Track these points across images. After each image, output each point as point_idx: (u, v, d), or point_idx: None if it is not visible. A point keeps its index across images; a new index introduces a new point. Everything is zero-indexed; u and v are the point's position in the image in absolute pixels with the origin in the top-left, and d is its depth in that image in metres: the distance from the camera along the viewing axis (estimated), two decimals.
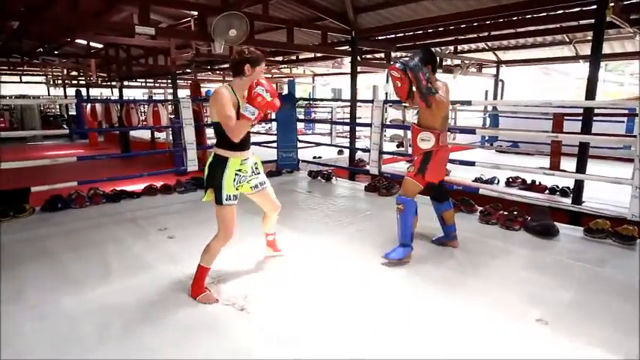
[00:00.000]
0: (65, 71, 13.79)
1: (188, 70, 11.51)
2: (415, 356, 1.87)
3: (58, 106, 18.47)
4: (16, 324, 2.09)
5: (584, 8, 5.03)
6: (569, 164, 5.28)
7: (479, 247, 3.17)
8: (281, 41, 6.32)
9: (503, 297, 2.38)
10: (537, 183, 5.56)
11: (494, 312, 2.21)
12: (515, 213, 3.61)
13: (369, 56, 9.11)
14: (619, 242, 3.13)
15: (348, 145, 7.37)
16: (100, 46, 10.09)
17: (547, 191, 5.39)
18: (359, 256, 2.99)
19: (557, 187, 5.29)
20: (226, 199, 2.33)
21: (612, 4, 4.25)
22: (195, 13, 5.96)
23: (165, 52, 8.40)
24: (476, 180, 5.76)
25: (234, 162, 2.35)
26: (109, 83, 13.91)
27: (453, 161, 4.46)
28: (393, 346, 1.94)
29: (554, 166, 5.70)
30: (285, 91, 6.67)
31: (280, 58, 10.43)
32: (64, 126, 17.02)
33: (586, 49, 7.99)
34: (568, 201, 4.51)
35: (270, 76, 13.19)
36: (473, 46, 8.91)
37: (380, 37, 7.34)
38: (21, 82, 16.34)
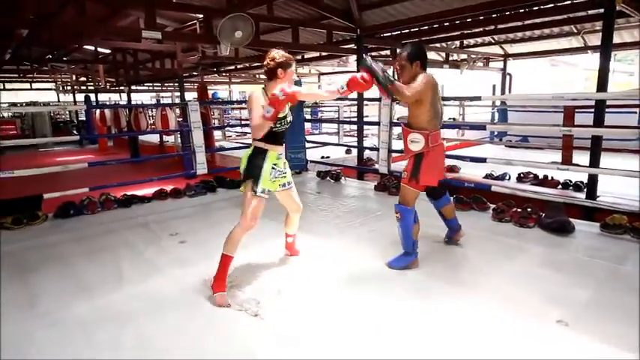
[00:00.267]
0: (74, 77, 13.96)
1: (195, 73, 11.55)
2: (430, 357, 1.84)
3: (67, 113, 18.68)
4: (29, 331, 2.11)
5: None
6: (581, 158, 5.18)
7: (493, 246, 3.13)
8: (286, 41, 6.29)
9: (520, 297, 2.34)
10: (550, 178, 5.47)
11: (512, 313, 2.17)
12: (529, 210, 3.56)
13: (374, 54, 9.06)
14: (638, 238, 3.07)
15: (355, 144, 7.34)
16: (108, 51, 10.17)
17: (560, 186, 5.30)
18: (371, 257, 2.96)
19: (570, 181, 5.20)
20: (261, 192, 2.45)
21: None
22: (201, 15, 5.97)
23: (172, 55, 8.45)
24: (487, 176, 5.69)
25: (272, 155, 2.50)
26: (117, 88, 14.06)
27: (463, 158, 4.42)
28: (407, 348, 1.91)
29: (566, 161, 5.61)
30: None
31: None
32: (75, 132, 17.22)
33: (595, 40, 7.86)
34: (581, 196, 4.43)
35: None
36: (479, 40, 8.80)
37: (385, 35, 7.28)
38: (31, 88, 16.57)
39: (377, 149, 5.54)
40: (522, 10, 5.70)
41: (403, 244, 2.76)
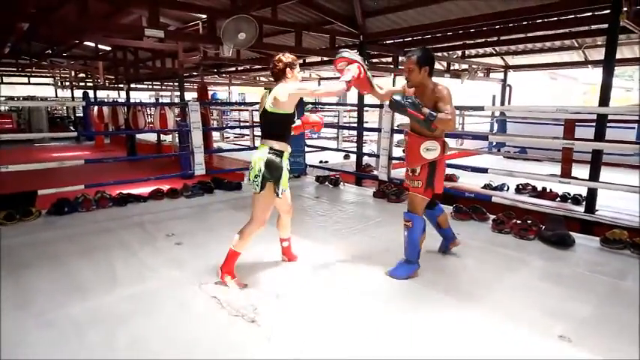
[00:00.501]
0: (73, 73, 13.86)
1: (194, 73, 11.52)
2: None
3: (65, 108, 18.57)
4: (22, 332, 2.05)
5: (597, 13, 4.98)
6: (579, 171, 5.19)
7: (493, 257, 3.10)
8: (289, 45, 6.28)
9: (522, 311, 2.30)
10: (548, 190, 5.46)
11: (514, 326, 2.14)
12: (529, 222, 3.54)
13: (375, 60, 9.07)
14: (638, 253, 3.05)
15: (354, 149, 7.32)
16: (108, 48, 10.12)
17: (558, 199, 5.30)
18: (370, 265, 2.92)
19: (569, 194, 5.20)
20: (281, 193, 2.54)
21: (626, 9, 4.19)
22: (204, 16, 5.95)
23: (173, 54, 8.42)
24: (485, 187, 5.68)
25: (286, 156, 2.55)
26: (116, 85, 13.98)
27: (465, 167, 4.40)
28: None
29: (566, 173, 5.60)
30: None
31: None
32: (71, 128, 17.11)
33: (595, 55, 7.92)
34: (580, 209, 4.42)
35: None
36: (481, 50, 8.85)
37: (387, 41, 7.29)
38: (29, 83, 16.46)
39: (376, 156, 5.52)
40: (526, 23, 5.72)
41: (407, 252, 2.72)
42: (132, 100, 13.32)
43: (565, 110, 3.96)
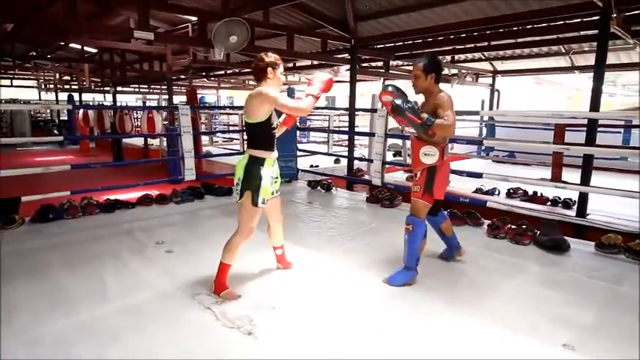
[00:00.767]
0: (57, 76, 13.59)
1: (183, 76, 11.38)
2: None
3: (48, 111, 18.17)
4: (5, 350, 1.93)
5: (586, 19, 5.05)
6: (569, 175, 5.24)
7: (490, 263, 3.08)
8: (281, 48, 6.23)
9: (523, 319, 2.27)
10: (539, 194, 5.50)
11: (516, 335, 2.10)
12: (524, 227, 3.53)
13: (365, 64, 9.07)
14: (633, 258, 3.06)
15: (344, 153, 7.28)
16: (94, 50, 9.93)
17: (549, 203, 5.33)
18: (367, 272, 2.87)
19: (559, 198, 5.24)
20: (262, 202, 2.41)
21: (615, 15, 4.25)
22: (194, 18, 5.87)
23: (161, 57, 8.30)
24: (476, 191, 5.69)
25: (269, 162, 2.44)
26: (101, 88, 13.74)
27: (460, 172, 4.39)
28: None
29: (556, 177, 5.66)
30: None
31: None
32: (55, 131, 16.74)
33: (582, 60, 8.07)
34: (571, 213, 4.46)
35: None
36: (470, 55, 8.92)
37: (379, 46, 7.30)
38: (12, 85, 16.07)
39: (368, 160, 5.49)
40: (516, 28, 5.78)
41: (406, 258, 2.66)
42: (118, 104, 13.09)
43: (560, 115, 3.98)
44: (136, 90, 15.65)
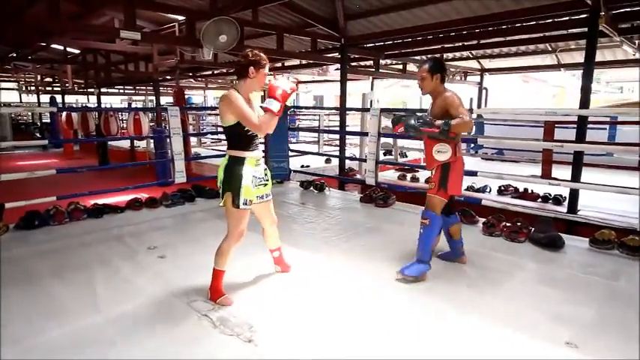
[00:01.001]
0: (39, 77, 13.23)
1: (169, 77, 11.19)
2: None
3: (30, 114, 17.74)
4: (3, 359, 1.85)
5: (574, 17, 5.09)
6: (558, 172, 5.30)
7: (486, 261, 3.07)
8: (270, 47, 6.15)
9: (524, 316, 2.26)
10: (530, 191, 5.54)
11: (517, 332, 2.09)
12: (519, 224, 3.54)
13: (354, 64, 9.05)
14: (627, 254, 3.09)
15: (335, 153, 7.25)
16: (77, 51, 9.69)
17: (540, 199, 5.38)
18: (364, 273, 2.84)
19: (550, 195, 5.29)
20: (243, 204, 2.32)
21: (603, 13, 4.29)
22: (181, 18, 5.75)
23: (147, 58, 8.13)
24: (468, 189, 5.71)
25: (250, 162, 2.35)
26: (85, 90, 13.44)
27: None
28: None
29: (546, 174, 5.71)
30: None
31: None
32: (37, 134, 16.35)
33: (568, 58, 8.18)
34: (561, 209, 4.50)
35: None
36: (457, 54, 8.97)
37: (369, 45, 7.28)
38: None
39: (359, 159, 5.46)
40: (505, 27, 5.80)
41: (420, 252, 2.70)
42: (103, 105, 12.83)
43: (554, 113, 4.01)
44: (121, 91, 15.34)
